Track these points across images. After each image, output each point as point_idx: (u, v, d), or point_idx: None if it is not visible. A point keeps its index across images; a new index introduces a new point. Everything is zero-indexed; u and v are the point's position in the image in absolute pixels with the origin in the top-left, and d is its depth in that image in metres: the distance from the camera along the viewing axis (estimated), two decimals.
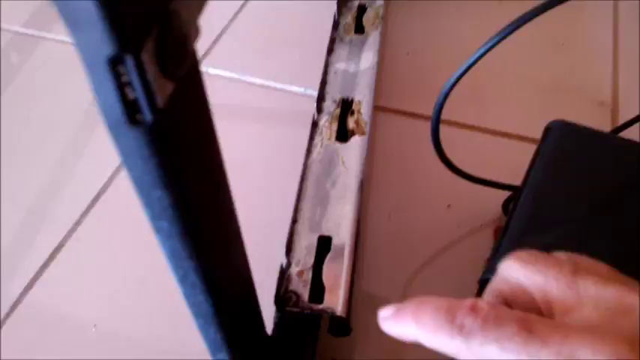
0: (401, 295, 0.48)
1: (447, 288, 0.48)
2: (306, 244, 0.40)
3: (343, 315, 0.36)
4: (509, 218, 0.43)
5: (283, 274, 0.39)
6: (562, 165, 0.45)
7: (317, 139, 0.46)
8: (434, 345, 0.22)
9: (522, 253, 0.25)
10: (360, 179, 0.44)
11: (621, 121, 0.54)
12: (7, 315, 0.46)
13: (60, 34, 0.70)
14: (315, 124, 0.47)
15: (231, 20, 0.70)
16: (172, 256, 0.22)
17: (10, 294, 0.48)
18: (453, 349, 0.21)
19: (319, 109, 0.48)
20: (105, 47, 0.15)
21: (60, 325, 0.46)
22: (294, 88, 0.61)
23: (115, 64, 0.15)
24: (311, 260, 0.39)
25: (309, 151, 0.45)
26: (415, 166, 0.55)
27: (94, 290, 0.48)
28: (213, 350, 0.29)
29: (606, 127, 0.58)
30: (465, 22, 0.69)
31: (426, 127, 0.58)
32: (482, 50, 0.38)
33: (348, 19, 0.57)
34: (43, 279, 0.49)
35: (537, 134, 0.53)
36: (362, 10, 0.58)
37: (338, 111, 0.48)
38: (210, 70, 0.63)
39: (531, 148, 0.46)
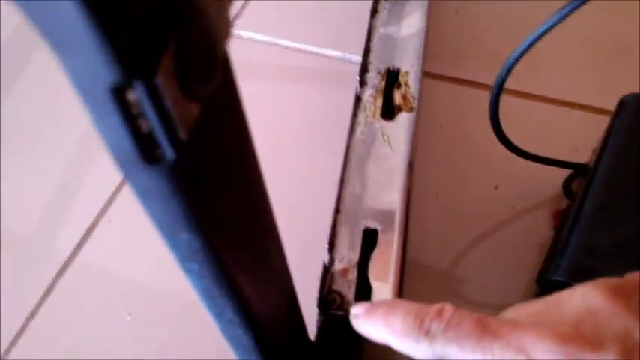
0: (449, 282, 0.44)
1: (499, 274, 0.44)
2: (350, 238, 0.37)
3: None
4: (577, 207, 0.38)
5: (326, 273, 0.35)
6: (638, 146, 0.40)
7: (360, 117, 0.42)
8: (402, 348, 0.23)
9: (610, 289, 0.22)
10: (407, 162, 0.40)
11: None
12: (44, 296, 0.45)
13: None
14: (358, 99, 0.43)
15: None
16: (206, 296, 0.19)
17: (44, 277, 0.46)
18: (419, 353, 0.22)
19: (362, 82, 0.43)
20: (106, 73, 0.11)
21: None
22: (333, 53, 0.56)
23: (120, 92, 0.11)
24: (356, 256, 0.36)
25: (352, 130, 0.41)
26: (465, 140, 0.50)
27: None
28: None
29: None
30: None
31: (478, 96, 0.53)
32: (555, 18, 0.33)
33: None
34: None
35: (602, 103, 0.48)
36: None
37: (383, 84, 0.43)
38: (242, 34, 0.58)
39: (595, 119, 0.41)
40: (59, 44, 0.10)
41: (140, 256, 0.46)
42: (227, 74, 0.15)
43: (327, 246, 0.36)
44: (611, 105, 0.43)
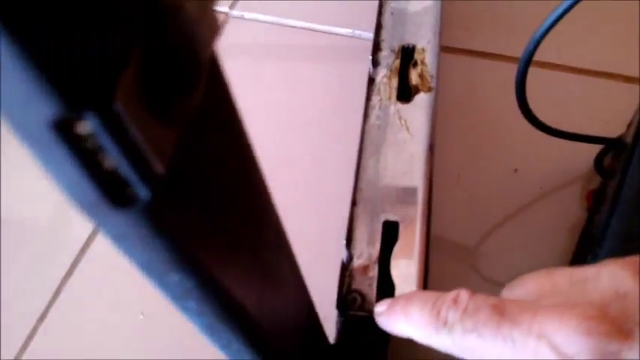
0: (476, 268, 0.42)
1: (528, 258, 0.41)
2: (369, 232, 0.34)
3: None
4: (616, 188, 0.35)
5: (344, 271, 0.33)
6: None
7: (374, 100, 0.39)
8: (424, 341, 0.22)
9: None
10: (427, 147, 0.37)
11: None
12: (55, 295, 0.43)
13: None
14: (371, 81, 0.40)
15: None
16: (208, 332, 0.16)
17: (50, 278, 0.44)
18: (440, 343, 0.21)
19: (375, 62, 0.40)
20: (43, 106, 0.08)
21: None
22: (342, 30, 0.53)
23: (66, 127, 0.09)
24: (376, 252, 0.33)
25: (366, 114, 0.38)
26: (486, 117, 0.47)
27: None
28: None
29: None
30: None
31: (498, 68, 0.49)
32: None
33: None
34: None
35: (632, 71, 0.44)
36: None
37: (398, 63, 0.40)
38: (246, 15, 0.55)
39: (625, 89, 0.37)
40: None
41: None
42: (215, 83, 0.12)
43: (344, 242, 0.34)
44: None
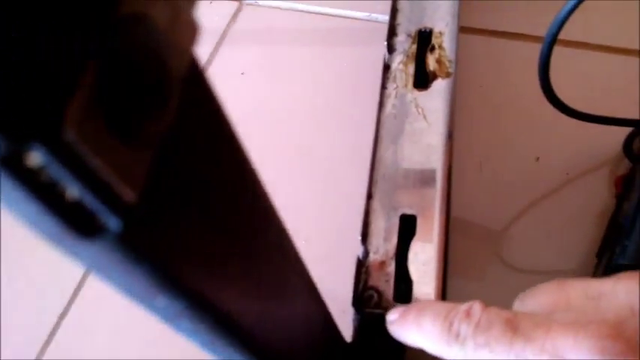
0: (498, 257, 0.41)
1: (552, 245, 0.40)
2: (386, 227, 0.33)
3: None
4: None
5: (360, 267, 0.32)
6: None
7: (390, 88, 0.37)
8: (435, 353, 0.22)
9: None
10: (446, 136, 0.35)
11: None
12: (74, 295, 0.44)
13: None
14: (386, 68, 0.38)
15: None
16: (207, 348, 0.16)
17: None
18: (452, 356, 0.21)
19: (391, 48, 0.39)
20: None
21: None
22: (357, 14, 0.51)
23: (12, 161, 0.08)
24: (393, 247, 0.32)
25: (381, 103, 0.37)
26: (509, 100, 0.45)
27: None
28: None
29: None
30: None
31: (519, 48, 0.47)
32: None
33: None
34: None
35: None
36: None
37: (414, 48, 0.38)
38: (260, 2, 0.54)
39: None
40: None
41: None
42: (196, 93, 0.11)
43: (359, 237, 0.33)
44: None
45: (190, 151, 0.11)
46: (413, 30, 0.39)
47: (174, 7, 0.11)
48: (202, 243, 0.13)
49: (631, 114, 0.39)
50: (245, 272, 0.15)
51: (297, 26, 0.53)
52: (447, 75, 0.37)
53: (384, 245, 0.33)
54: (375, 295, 0.31)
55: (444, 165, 0.34)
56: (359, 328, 0.31)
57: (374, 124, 0.37)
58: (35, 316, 0.43)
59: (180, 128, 0.11)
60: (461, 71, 0.44)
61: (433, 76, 0.37)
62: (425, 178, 0.34)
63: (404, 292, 0.31)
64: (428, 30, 0.39)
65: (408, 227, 0.33)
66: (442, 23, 0.39)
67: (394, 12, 0.40)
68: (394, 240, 0.33)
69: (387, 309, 0.30)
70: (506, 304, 0.23)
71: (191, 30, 0.11)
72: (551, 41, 0.32)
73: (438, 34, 0.38)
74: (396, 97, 0.37)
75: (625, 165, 0.41)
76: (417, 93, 0.37)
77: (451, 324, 0.21)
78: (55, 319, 0.43)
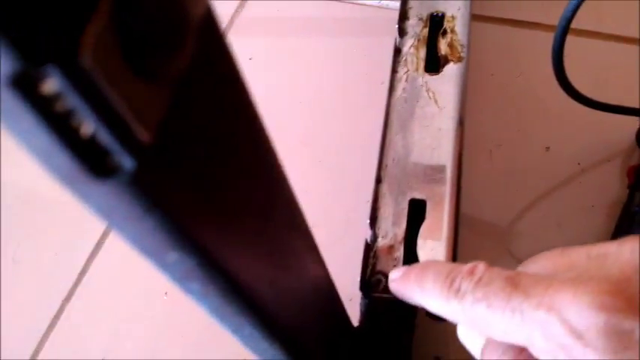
0: (507, 248, 0.40)
1: (563, 237, 0.39)
2: (395, 211, 0.33)
3: None
4: None
5: (368, 251, 0.31)
6: None
7: (401, 72, 0.37)
8: (435, 310, 0.22)
9: None
10: (457, 121, 0.35)
11: None
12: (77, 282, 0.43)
13: None
14: (397, 52, 0.38)
15: None
16: (216, 315, 0.15)
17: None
18: (451, 313, 0.21)
19: (402, 31, 0.38)
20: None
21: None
22: (368, 1, 0.50)
23: (27, 85, 0.08)
24: (401, 231, 0.32)
25: (391, 87, 0.36)
26: (520, 89, 0.45)
27: None
28: None
29: None
30: None
31: (532, 37, 0.47)
32: None
33: None
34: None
35: None
36: None
37: (426, 31, 0.38)
38: None
39: None
40: None
41: None
42: (211, 37, 0.11)
43: (368, 221, 0.32)
44: None
45: (205, 98, 0.11)
46: (425, 14, 0.38)
47: None
48: (215, 197, 0.12)
49: None
50: (257, 237, 0.15)
51: (307, 12, 0.52)
52: (459, 59, 0.36)
53: (392, 230, 0.32)
54: (383, 280, 0.31)
55: (455, 150, 0.34)
56: (366, 312, 0.31)
57: (383, 109, 0.36)
58: (40, 299, 0.43)
59: (197, 72, 0.10)
60: (472, 59, 0.43)
61: (445, 61, 0.36)
62: (435, 163, 0.34)
63: None
64: (440, 14, 0.38)
65: (417, 212, 0.32)
66: (454, 7, 0.38)
67: None
68: (403, 224, 0.32)
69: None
70: None
71: None
72: (566, 26, 0.32)
73: (450, 18, 0.38)
74: (406, 80, 0.36)
75: (637, 155, 0.41)
76: (428, 77, 0.36)
77: (453, 281, 0.21)
78: (59, 303, 0.43)
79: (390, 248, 0.32)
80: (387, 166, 0.34)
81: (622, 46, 0.46)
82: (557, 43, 0.33)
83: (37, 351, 0.41)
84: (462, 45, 0.37)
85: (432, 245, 0.31)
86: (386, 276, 0.31)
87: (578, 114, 0.39)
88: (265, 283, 0.16)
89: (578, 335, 0.17)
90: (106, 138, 0.09)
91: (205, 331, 0.39)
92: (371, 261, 0.31)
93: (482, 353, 0.21)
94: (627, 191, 0.39)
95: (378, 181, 0.34)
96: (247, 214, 0.14)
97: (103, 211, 0.10)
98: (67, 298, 0.43)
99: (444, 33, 0.37)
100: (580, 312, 0.17)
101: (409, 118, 0.35)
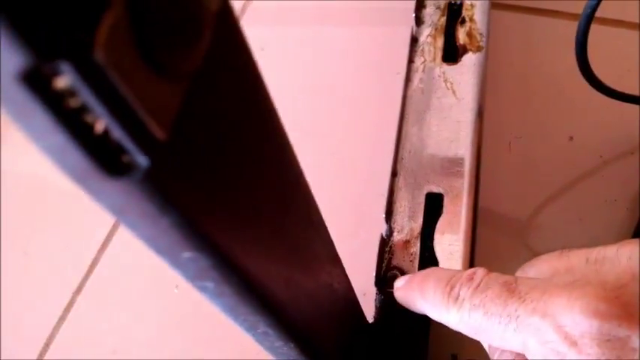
0: (526, 242, 0.39)
1: (584, 231, 0.38)
2: (411, 205, 0.32)
3: None
4: None
5: (384, 246, 0.31)
6: None
7: (418, 62, 0.36)
8: (436, 318, 0.22)
9: None
10: (476, 112, 0.34)
11: None
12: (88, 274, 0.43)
13: None
14: (414, 41, 0.37)
15: None
16: (230, 314, 0.15)
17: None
18: (451, 321, 0.21)
19: (419, 20, 0.37)
20: (9, 55, 0.07)
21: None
22: None
23: (38, 80, 0.07)
24: (418, 226, 0.31)
25: (408, 78, 0.36)
26: (540, 79, 0.44)
27: None
28: None
29: None
30: None
31: (552, 26, 0.46)
32: None
33: None
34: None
35: None
36: None
37: (444, 20, 0.37)
38: None
39: None
40: None
41: None
42: (226, 30, 0.10)
43: (384, 215, 0.32)
44: None
45: (220, 92, 0.10)
46: (442, 2, 0.37)
47: None
48: (230, 196, 0.12)
49: None
50: (274, 234, 0.14)
51: (320, 2, 0.51)
52: (478, 49, 0.35)
53: (408, 224, 0.32)
54: (399, 275, 0.30)
55: (474, 142, 0.33)
56: (381, 308, 0.30)
57: (399, 99, 0.36)
58: (51, 291, 0.43)
59: (212, 65, 0.10)
60: (492, 48, 0.42)
61: (463, 50, 0.36)
62: (453, 156, 0.33)
63: None
64: (458, 2, 0.37)
65: (434, 206, 0.32)
66: None
67: None
68: (420, 219, 0.32)
69: None
70: None
71: None
72: (590, 14, 0.31)
73: (469, 7, 0.37)
74: (423, 71, 0.35)
75: None
76: (445, 67, 0.35)
77: (452, 287, 0.21)
78: (70, 295, 0.43)
79: (406, 243, 0.31)
80: (403, 158, 0.33)
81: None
82: (581, 32, 0.32)
83: (47, 343, 0.41)
84: (481, 34, 0.36)
85: (450, 240, 0.31)
86: (402, 271, 0.30)
87: (600, 105, 0.38)
88: (281, 281, 0.16)
89: (572, 342, 0.16)
90: (119, 135, 0.08)
91: (217, 325, 0.39)
92: (386, 256, 0.31)
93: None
94: None
95: (394, 174, 0.33)
96: (263, 211, 0.13)
97: (116, 210, 0.10)
98: (78, 291, 0.43)
99: (463, 21, 0.36)
100: (574, 318, 0.17)
101: (426, 110, 0.34)
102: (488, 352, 0.22)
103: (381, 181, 0.34)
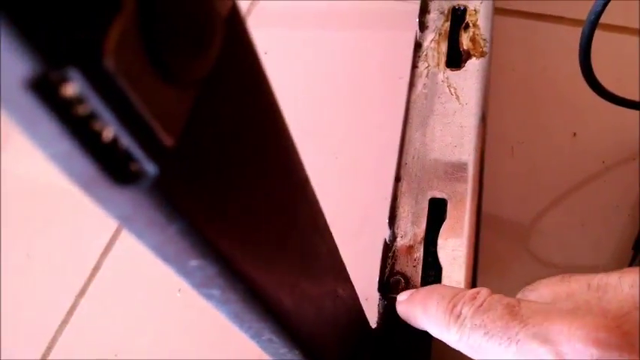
0: (528, 246, 0.39)
1: (585, 237, 0.38)
2: (414, 210, 0.32)
3: None
4: None
5: (387, 251, 0.31)
6: None
7: (421, 67, 0.36)
8: (437, 335, 0.22)
9: None
10: (479, 117, 0.34)
11: None
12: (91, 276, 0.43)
13: None
14: (418, 46, 0.37)
15: None
16: (236, 321, 0.15)
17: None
18: (451, 339, 0.21)
19: (422, 25, 0.37)
20: (16, 61, 0.07)
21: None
22: None
23: (47, 88, 0.07)
24: (421, 231, 0.31)
25: (411, 83, 0.36)
26: (543, 84, 0.44)
27: None
28: None
29: None
30: None
31: (555, 32, 0.46)
32: None
33: None
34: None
35: None
36: None
37: (447, 25, 0.37)
38: None
39: None
40: None
41: None
42: (235, 37, 0.10)
43: (387, 220, 0.32)
44: None
45: (229, 99, 0.10)
46: (446, 7, 0.37)
47: None
48: (237, 202, 0.12)
49: None
50: (280, 242, 0.14)
51: (324, 5, 0.51)
52: (482, 54, 0.35)
53: (412, 229, 0.32)
54: (402, 281, 0.30)
55: (477, 148, 0.33)
56: (384, 314, 0.30)
57: (402, 104, 0.35)
58: (53, 294, 0.43)
59: (221, 72, 0.10)
60: (495, 54, 0.42)
61: (467, 55, 0.36)
62: (457, 161, 0.33)
63: (432, 278, 0.30)
64: (462, 7, 0.37)
65: (437, 211, 0.32)
66: (477, 1, 0.37)
67: None
68: (423, 224, 0.32)
69: None
70: None
71: None
72: (595, 19, 0.31)
73: (473, 12, 0.37)
74: (427, 76, 0.35)
75: None
76: (449, 72, 0.35)
77: (454, 306, 0.21)
78: (72, 299, 0.43)
79: (410, 248, 0.31)
80: (406, 164, 0.33)
81: None
82: (585, 38, 0.32)
83: (50, 346, 0.41)
84: (484, 39, 0.36)
85: (453, 245, 0.30)
86: (405, 277, 0.30)
87: (603, 112, 0.38)
88: (286, 289, 0.16)
89: None
90: (128, 143, 0.08)
91: (220, 328, 0.39)
92: (390, 261, 0.31)
93: None
94: None
95: (397, 179, 0.33)
96: (270, 217, 0.13)
97: (124, 218, 0.10)
98: (81, 294, 0.43)
99: (466, 27, 0.36)
100: (575, 346, 0.17)
101: (430, 115, 0.34)
102: None
103: (384, 186, 0.34)
